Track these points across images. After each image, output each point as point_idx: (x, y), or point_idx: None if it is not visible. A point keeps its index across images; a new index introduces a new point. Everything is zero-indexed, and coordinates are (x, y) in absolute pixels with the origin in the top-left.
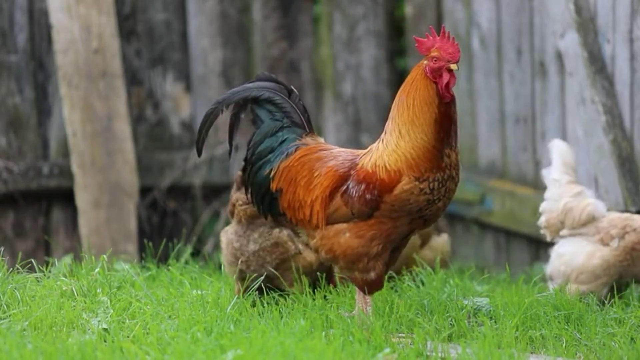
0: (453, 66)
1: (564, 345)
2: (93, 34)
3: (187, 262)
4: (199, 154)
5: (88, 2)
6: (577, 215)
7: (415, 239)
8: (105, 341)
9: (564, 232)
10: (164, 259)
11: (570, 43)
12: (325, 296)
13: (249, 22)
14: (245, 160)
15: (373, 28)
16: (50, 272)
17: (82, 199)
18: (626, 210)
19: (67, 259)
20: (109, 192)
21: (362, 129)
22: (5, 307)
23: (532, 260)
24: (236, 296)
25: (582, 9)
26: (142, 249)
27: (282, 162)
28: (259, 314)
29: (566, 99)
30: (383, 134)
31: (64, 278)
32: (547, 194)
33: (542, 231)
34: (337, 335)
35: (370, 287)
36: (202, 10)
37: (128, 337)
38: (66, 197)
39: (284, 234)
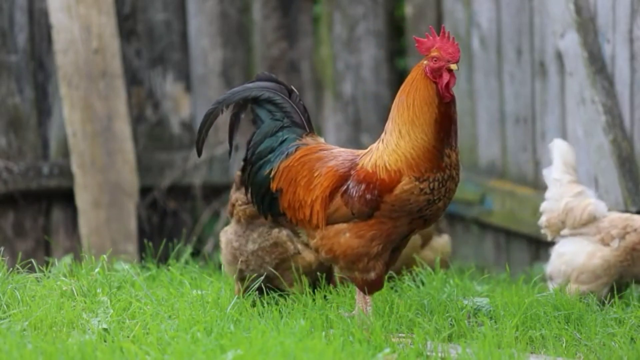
0: (453, 66)
1: (564, 345)
2: (93, 34)
3: (187, 262)
4: (199, 154)
5: (88, 2)
6: (578, 215)
7: (416, 240)
8: (105, 341)
9: (564, 231)
10: (164, 259)
11: (570, 43)
12: (325, 296)
13: (249, 22)
14: (245, 160)
15: (373, 28)
16: (50, 272)
17: (82, 199)
18: (626, 210)
19: (67, 259)
20: (109, 192)
21: (362, 129)
22: (5, 307)
23: (532, 260)
24: (236, 296)
25: (582, 9)
26: (142, 249)
27: (282, 162)
28: (259, 314)
29: (566, 99)
30: (383, 134)
31: (64, 278)
32: (547, 194)
33: (542, 231)
34: (337, 335)
35: (370, 287)
36: (202, 10)
37: (128, 337)
38: (66, 197)
39: (283, 234)
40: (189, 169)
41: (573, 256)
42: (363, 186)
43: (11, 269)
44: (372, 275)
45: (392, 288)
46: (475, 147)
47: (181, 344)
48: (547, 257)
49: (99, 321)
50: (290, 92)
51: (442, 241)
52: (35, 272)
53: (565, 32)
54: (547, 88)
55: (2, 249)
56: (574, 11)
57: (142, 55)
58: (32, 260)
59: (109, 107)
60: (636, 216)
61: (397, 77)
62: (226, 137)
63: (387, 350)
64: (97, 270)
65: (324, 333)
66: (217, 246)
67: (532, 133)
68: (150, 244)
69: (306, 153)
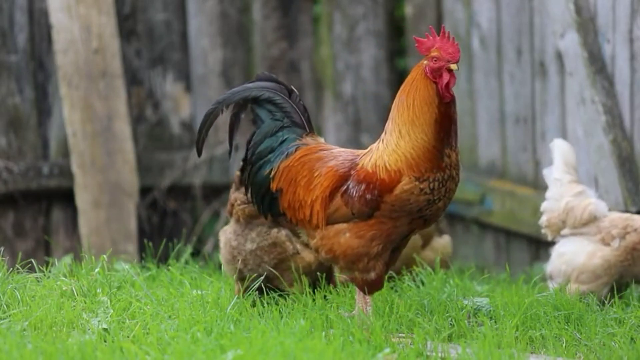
0: (453, 66)
1: (564, 345)
2: (93, 34)
3: (187, 262)
4: (199, 154)
5: (88, 2)
6: (578, 215)
7: (417, 240)
8: (105, 341)
9: (565, 231)
10: (164, 259)
11: (570, 43)
12: (325, 296)
13: (249, 22)
14: (245, 160)
15: (373, 28)
16: (50, 272)
17: (82, 199)
18: (626, 210)
19: (67, 259)
20: (109, 192)
21: (362, 129)
22: (5, 307)
23: (532, 260)
24: (236, 296)
25: (582, 9)
26: (142, 249)
27: (282, 162)
28: (259, 314)
29: (566, 99)
30: (383, 134)
31: (64, 278)
32: (548, 194)
33: (543, 230)
34: (337, 335)
35: (371, 287)
36: (202, 10)
37: (128, 337)
38: (66, 197)
39: (282, 234)
40: (189, 169)
41: (573, 256)
42: (363, 186)
43: (11, 269)
44: (372, 275)
45: (392, 288)
46: (475, 147)
47: (181, 344)
48: (547, 257)
49: (99, 321)
50: (290, 92)
51: (443, 242)
52: (35, 272)
53: (565, 32)
54: (547, 88)
55: (2, 249)
56: (574, 11)
57: (142, 55)
58: (32, 260)
59: (109, 107)
60: (636, 216)
61: (397, 77)
62: (226, 137)
63: (387, 350)
64: (97, 270)
65: (324, 333)
66: (217, 246)
67: (532, 133)
68: (150, 244)
69: (306, 153)
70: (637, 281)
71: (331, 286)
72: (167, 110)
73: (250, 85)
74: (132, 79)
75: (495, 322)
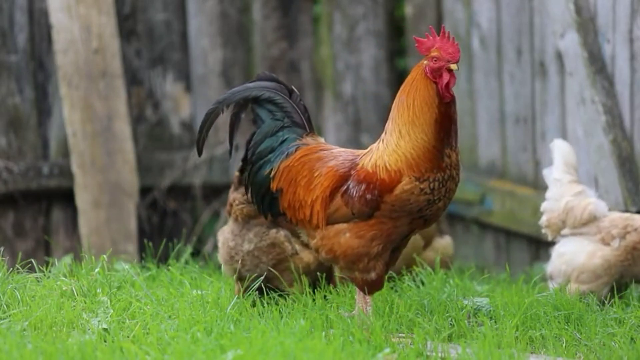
0: (453, 66)
1: (564, 345)
2: (93, 34)
3: (187, 262)
4: (199, 153)
5: (88, 2)
6: (578, 215)
7: (418, 240)
8: (105, 341)
9: (565, 231)
10: (164, 259)
11: (570, 43)
12: (325, 296)
13: (249, 22)
14: (245, 160)
15: (373, 28)
16: (50, 272)
17: (82, 199)
18: (626, 210)
19: (67, 259)
20: (109, 192)
21: (362, 129)
22: (5, 307)
23: (532, 260)
24: (236, 296)
25: (582, 9)
26: (142, 249)
27: (282, 162)
28: (259, 314)
29: (566, 99)
30: (383, 134)
31: (64, 278)
32: (548, 194)
33: (543, 230)
34: (337, 335)
35: (371, 287)
36: (202, 10)
37: (128, 337)
38: (66, 197)
39: (280, 234)
40: (189, 169)
41: (573, 256)
42: (363, 186)
43: (11, 269)
44: (372, 275)
45: (392, 288)
46: (475, 147)
47: (181, 344)
48: (547, 257)
49: (99, 321)
50: (290, 92)
51: (444, 242)
52: (35, 272)
53: (565, 32)
54: (547, 88)
55: (2, 249)
56: (574, 11)
57: (142, 55)
58: (32, 260)
59: (109, 107)
60: (636, 216)
61: (397, 77)
62: (226, 137)
63: (387, 350)
64: (97, 270)
65: (324, 333)
66: (217, 246)
67: (532, 133)
68: (150, 244)
69: (306, 153)
70: (637, 281)
71: (331, 286)
72: (167, 110)
73: (250, 85)
74: (132, 79)
75: (495, 322)
